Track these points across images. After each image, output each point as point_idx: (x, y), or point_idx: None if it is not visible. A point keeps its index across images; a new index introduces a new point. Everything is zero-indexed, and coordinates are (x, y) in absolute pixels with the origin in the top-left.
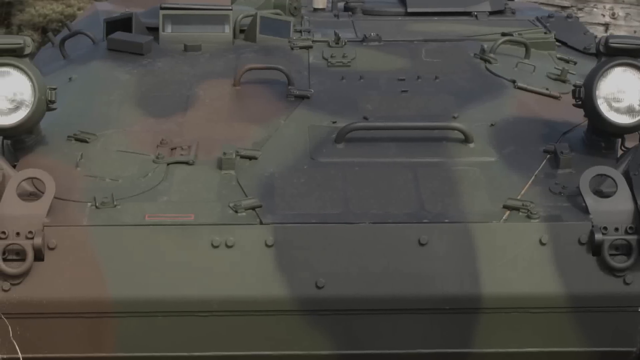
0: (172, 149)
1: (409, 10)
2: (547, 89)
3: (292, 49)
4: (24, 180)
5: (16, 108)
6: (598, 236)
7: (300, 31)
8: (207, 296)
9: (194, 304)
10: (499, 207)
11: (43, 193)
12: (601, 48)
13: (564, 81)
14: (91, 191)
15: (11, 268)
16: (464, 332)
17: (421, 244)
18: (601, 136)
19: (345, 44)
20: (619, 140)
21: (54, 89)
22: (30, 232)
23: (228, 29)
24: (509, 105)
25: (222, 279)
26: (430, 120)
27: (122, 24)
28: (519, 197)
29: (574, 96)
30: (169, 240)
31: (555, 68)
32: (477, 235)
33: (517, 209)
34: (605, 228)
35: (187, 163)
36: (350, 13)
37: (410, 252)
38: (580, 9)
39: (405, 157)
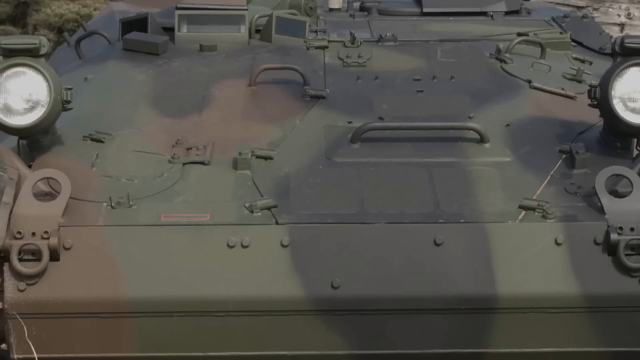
0: (187, 149)
1: (425, 10)
2: (562, 89)
3: (307, 49)
4: (39, 180)
5: (32, 108)
6: (614, 236)
7: (316, 31)
8: (223, 296)
9: (210, 304)
10: (514, 207)
11: (59, 193)
12: (617, 48)
13: (579, 81)
14: (107, 191)
15: (27, 268)
16: (480, 332)
17: (437, 244)
18: (617, 136)
19: (360, 44)
20: (635, 140)
21: (70, 89)
22: (45, 232)
23: (244, 29)
24: (524, 105)
25: (237, 279)
26: (445, 120)
27: (138, 24)
28: (534, 197)
29: (589, 96)
30: (184, 240)
31: (570, 68)
32: (493, 235)
33: (532, 209)
34: (620, 228)
35: (202, 163)
36: (365, 13)
37: (426, 252)
38: (595, 9)
39: (421, 157)
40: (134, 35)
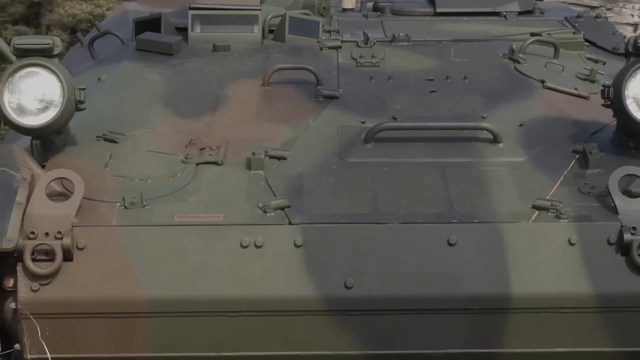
0: (201, 149)
1: (438, 10)
2: (576, 89)
3: (321, 49)
4: (53, 180)
5: (45, 108)
6: (627, 236)
7: (329, 31)
8: (236, 296)
9: (223, 304)
10: (528, 207)
11: (72, 193)
12: (630, 48)
13: (592, 81)
14: (120, 191)
15: (40, 268)
16: (493, 332)
17: (450, 244)
18: (630, 136)
19: (374, 44)
20: None
21: (83, 89)
22: (59, 232)
23: (257, 29)
24: (537, 105)
25: (251, 279)
26: (459, 120)
27: (151, 24)
28: (548, 197)
29: (602, 96)
30: (197, 240)
31: (584, 68)
32: (506, 235)
33: (546, 209)
34: (634, 228)
35: (216, 163)
36: (379, 13)
37: (439, 252)
38: (609, 9)
39: (434, 157)
40: (147, 35)
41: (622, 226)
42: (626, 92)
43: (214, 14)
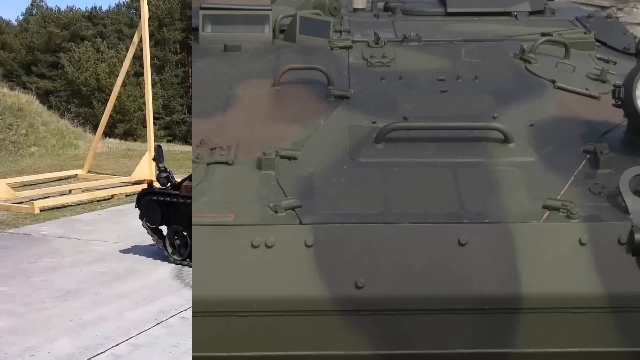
0: (211, 149)
1: (449, 10)
2: (586, 89)
3: (331, 49)
4: None
5: None
6: (638, 236)
7: (340, 31)
8: (247, 296)
9: (233, 304)
10: (538, 207)
11: None
12: None
13: (603, 81)
14: None
15: None
16: (504, 332)
17: (461, 244)
18: None
19: (384, 44)
20: None
21: None
22: None
23: (268, 29)
24: (548, 105)
25: (261, 279)
26: (469, 121)
27: None
28: (558, 197)
29: (613, 96)
30: (208, 240)
31: (594, 68)
32: (517, 235)
33: (556, 209)
34: None
35: (226, 163)
36: (389, 13)
37: (450, 252)
38: (620, 9)
39: (445, 157)
40: None
41: (632, 226)
42: (637, 92)
43: (224, 14)
